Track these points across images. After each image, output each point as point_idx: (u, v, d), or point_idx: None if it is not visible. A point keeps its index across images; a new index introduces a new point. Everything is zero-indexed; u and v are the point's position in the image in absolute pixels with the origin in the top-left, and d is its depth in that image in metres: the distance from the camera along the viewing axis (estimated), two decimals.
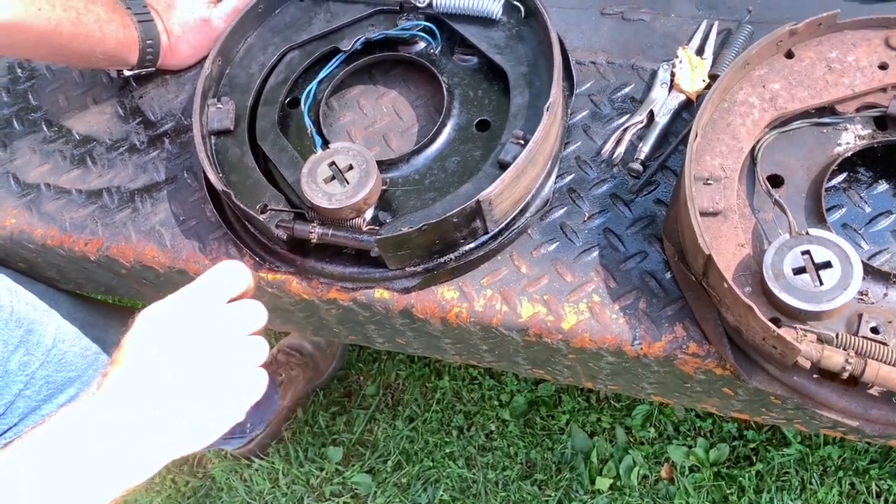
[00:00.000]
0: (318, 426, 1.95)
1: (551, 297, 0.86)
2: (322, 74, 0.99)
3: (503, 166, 0.85)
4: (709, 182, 0.80)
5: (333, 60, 0.99)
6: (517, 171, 0.83)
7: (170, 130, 1.05)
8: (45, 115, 1.10)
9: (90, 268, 1.03)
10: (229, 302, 0.75)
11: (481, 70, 0.97)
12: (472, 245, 0.88)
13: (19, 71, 1.16)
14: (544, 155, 0.88)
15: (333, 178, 0.85)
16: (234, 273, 0.76)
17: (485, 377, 1.89)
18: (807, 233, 0.74)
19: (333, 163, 0.86)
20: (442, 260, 0.88)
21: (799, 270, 0.72)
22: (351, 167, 0.85)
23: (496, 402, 1.86)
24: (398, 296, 0.89)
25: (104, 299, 1.35)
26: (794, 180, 0.83)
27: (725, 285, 0.73)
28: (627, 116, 0.94)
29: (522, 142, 0.85)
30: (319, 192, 0.84)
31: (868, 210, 0.83)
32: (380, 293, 0.90)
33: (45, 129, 1.09)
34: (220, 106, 0.95)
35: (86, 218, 1.01)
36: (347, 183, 0.85)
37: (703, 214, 0.79)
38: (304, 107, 0.96)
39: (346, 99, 1.03)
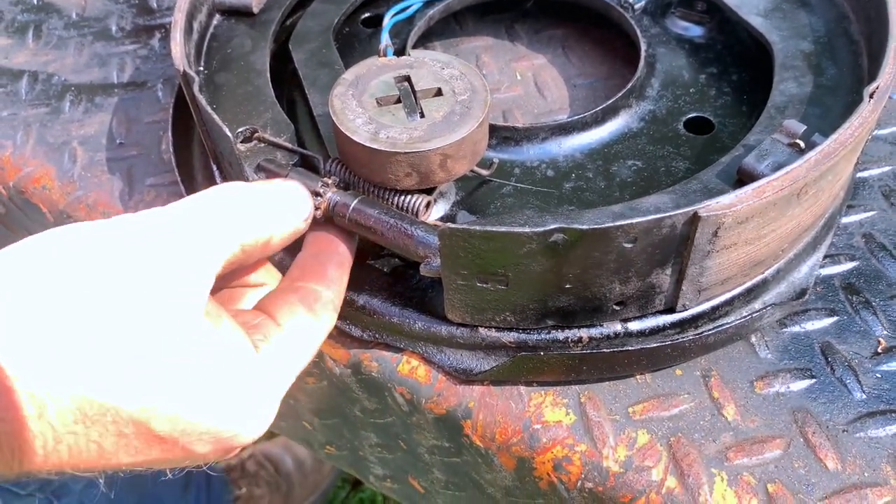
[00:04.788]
0: None
1: (783, 492, 0.37)
2: None
3: (744, 179, 0.39)
4: None
5: None
6: (793, 182, 0.37)
7: (169, 25, 0.65)
8: None
9: None
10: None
11: (712, 46, 0.54)
12: (633, 325, 0.41)
13: None
14: (831, 193, 0.42)
15: (399, 101, 0.41)
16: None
17: None
18: None
19: (407, 79, 0.42)
20: (560, 336, 0.41)
21: None
22: (438, 92, 0.42)
23: None
24: (445, 382, 0.42)
25: None
26: None
27: None
28: None
29: (800, 143, 0.40)
30: (360, 116, 0.41)
31: None
32: (411, 365, 0.43)
33: None
34: None
35: None
36: (420, 116, 0.41)
37: None
38: (387, 21, 0.54)
39: (461, 48, 0.61)
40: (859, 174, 0.50)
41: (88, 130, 0.57)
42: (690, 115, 0.50)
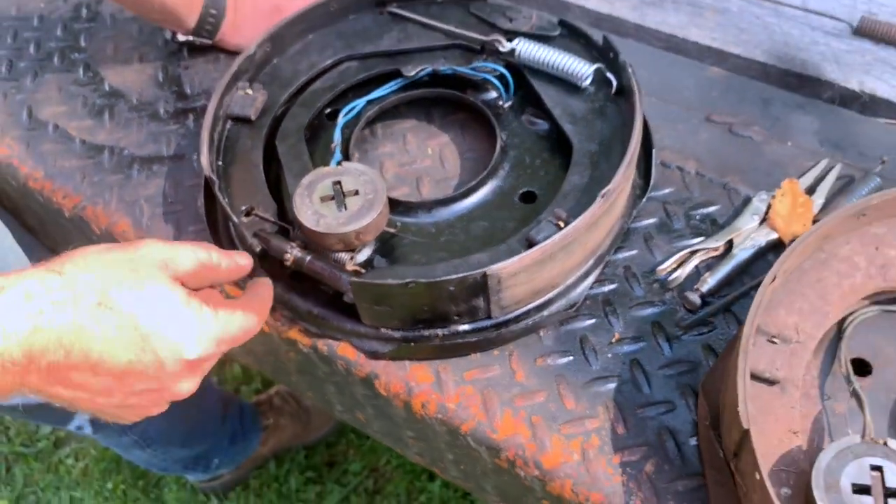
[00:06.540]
0: (288, 488, 1.77)
1: (540, 421, 0.68)
2: (375, 94, 0.87)
3: (531, 244, 0.69)
4: (774, 340, 0.62)
5: (391, 83, 0.87)
6: (543, 253, 0.67)
7: (199, 108, 0.95)
8: (88, 58, 1.02)
9: (65, 225, 0.92)
10: None
11: (548, 138, 0.83)
12: (466, 326, 0.72)
13: (84, 11, 1.09)
14: (584, 248, 0.72)
15: (333, 198, 0.71)
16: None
17: None
18: (885, 443, 0.55)
19: (339, 182, 0.72)
20: (426, 333, 0.72)
21: (861, 489, 0.53)
22: (356, 193, 0.71)
23: None
24: (364, 359, 0.73)
25: None
26: (886, 374, 0.64)
27: (758, 477, 0.54)
28: (701, 239, 0.77)
29: (561, 223, 0.70)
30: (310, 209, 0.70)
31: None
32: (344, 349, 0.74)
33: (80, 71, 1.01)
34: (249, 92, 0.84)
35: (76, 170, 0.90)
36: (345, 209, 0.70)
37: (755, 377, 0.61)
38: (340, 119, 0.84)
39: (394, 129, 0.90)
40: (632, 224, 0.79)
41: (150, 191, 0.87)
42: (523, 189, 0.79)
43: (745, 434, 0.55)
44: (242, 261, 0.68)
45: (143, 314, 0.53)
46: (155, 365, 0.54)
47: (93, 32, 1.06)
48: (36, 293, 0.50)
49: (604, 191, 0.69)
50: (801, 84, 0.89)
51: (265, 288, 0.69)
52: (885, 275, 0.66)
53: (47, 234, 1.02)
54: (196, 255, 0.62)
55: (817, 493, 0.53)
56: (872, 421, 0.60)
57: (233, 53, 0.99)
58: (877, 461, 0.54)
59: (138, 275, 0.54)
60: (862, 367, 0.65)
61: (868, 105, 0.86)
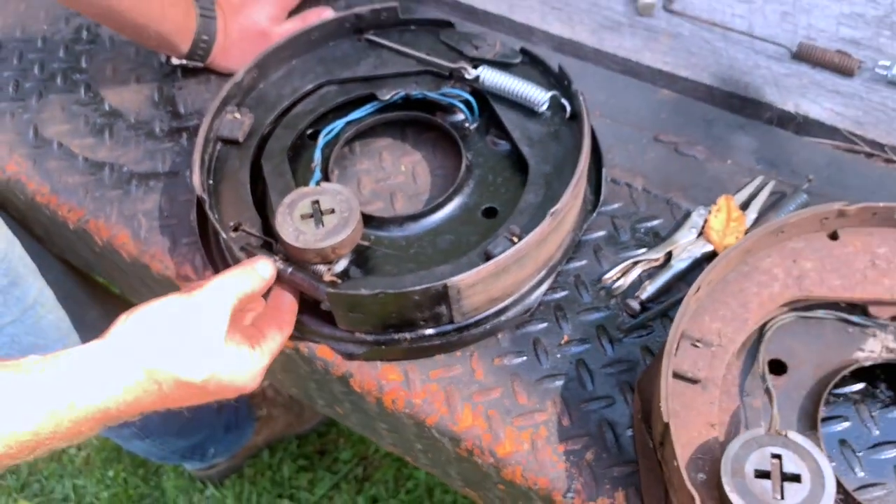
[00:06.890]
0: (281, 475, 1.86)
1: (496, 414, 0.76)
2: (352, 116, 0.95)
3: (488, 258, 0.77)
4: (697, 344, 0.71)
5: (368, 106, 0.95)
6: (497, 267, 0.75)
7: (192, 127, 1.03)
8: (89, 79, 1.10)
9: (70, 236, 1.00)
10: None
11: (509, 158, 0.91)
12: (431, 331, 0.80)
13: (84, 33, 1.17)
14: (536, 261, 0.80)
15: (312, 216, 0.79)
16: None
17: None
18: (786, 434, 0.63)
19: (317, 201, 0.80)
20: (395, 336, 0.80)
21: (762, 474, 0.61)
22: (333, 211, 0.79)
23: None
24: (340, 359, 0.82)
25: (94, 279, 1.32)
26: (798, 373, 0.72)
27: (675, 464, 0.62)
28: (644, 250, 0.85)
29: (515, 239, 0.78)
30: (291, 226, 0.79)
31: (875, 433, 0.71)
32: (323, 350, 0.82)
33: (82, 91, 1.09)
34: (237, 116, 0.92)
35: (79, 186, 0.98)
36: (322, 226, 0.79)
37: (677, 376, 0.69)
38: (321, 139, 0.92)
39: (371, 147, 0.98)
40: (583, 237, 0.87)
41: (147, 206, 0.96)
42: (486, 206, 0.87)
43: (666, 427, 0.64)
44: (266, 273, 0.75)
45: (210, 383, 0.67)
46: (226, 398, 0.71)
47: (93, 54, 1.13)
48: (133, 390, 0.64)
49: (552, 210, 0.77)
50: (744, 106, 0.97)
51: (288, 303, 0.78)
52: (801, 285, 0.75)
53: (54, 243, 1.10)
54: (235, 296, 0.71)
55: (724, 478, 0.61)
56: (782, 415, 0.68)
57: (223, 74, 1.07)
58: (777, 450, 0.62)
59: (202, 352, 0.66)
60: (779, 367, 0.73)
61: (802, 126, 0.94)
